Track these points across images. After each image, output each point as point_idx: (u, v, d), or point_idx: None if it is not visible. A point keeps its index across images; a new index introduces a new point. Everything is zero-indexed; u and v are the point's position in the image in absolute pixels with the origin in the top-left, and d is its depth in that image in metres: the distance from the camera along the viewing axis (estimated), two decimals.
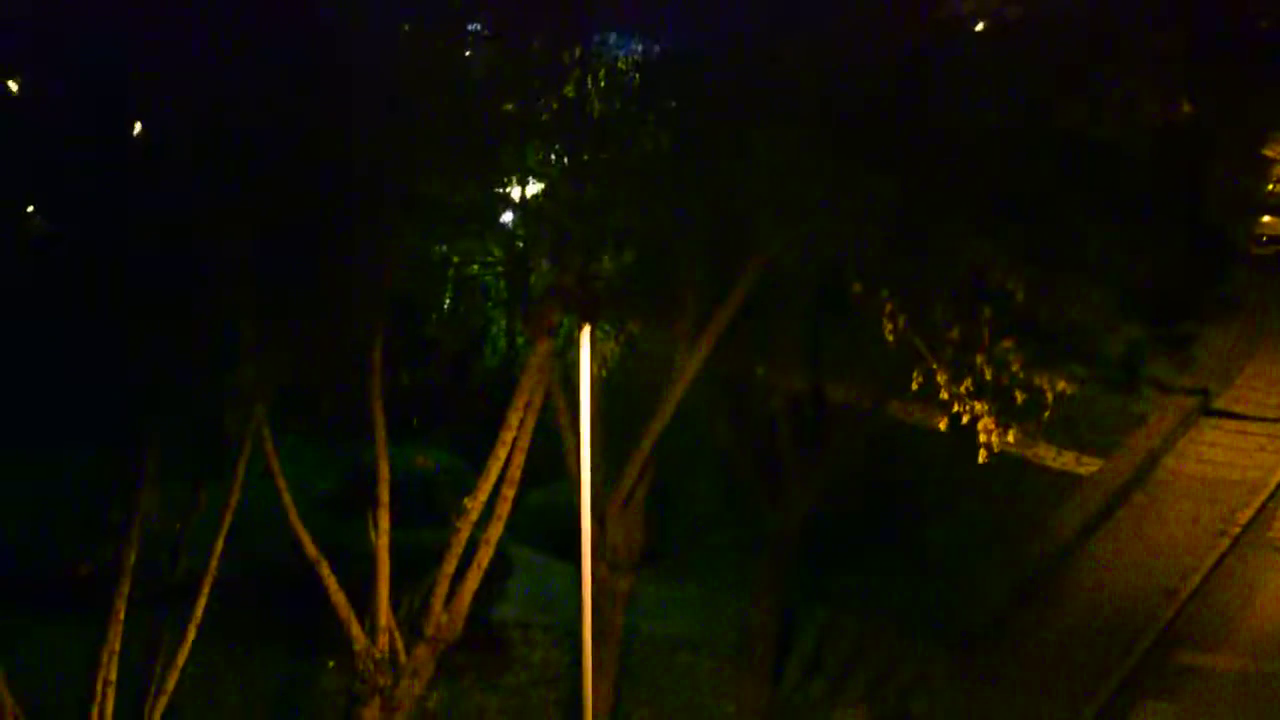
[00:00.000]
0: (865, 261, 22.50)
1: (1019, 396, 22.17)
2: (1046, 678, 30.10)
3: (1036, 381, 22.11)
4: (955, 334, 22.29)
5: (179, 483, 21.88)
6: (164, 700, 21.93)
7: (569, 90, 22.00)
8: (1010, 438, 22.36)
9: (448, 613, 22.93)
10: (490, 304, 29.04)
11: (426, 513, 26.81)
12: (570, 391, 23.53)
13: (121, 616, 21.33)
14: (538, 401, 22.78)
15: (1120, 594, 33.29)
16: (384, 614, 22.65)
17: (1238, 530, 36.18)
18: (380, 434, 22.43)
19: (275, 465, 21.99)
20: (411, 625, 23.02)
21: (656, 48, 23.19)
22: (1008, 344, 21.96)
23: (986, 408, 22.23)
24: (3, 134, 20.83)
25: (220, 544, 21.93)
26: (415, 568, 23.35)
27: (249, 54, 19.17)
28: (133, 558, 21.23)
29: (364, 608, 22.62)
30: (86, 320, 19.66)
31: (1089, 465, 39.17)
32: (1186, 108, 24.08)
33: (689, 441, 26.77)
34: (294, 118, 19.27)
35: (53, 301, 19.97)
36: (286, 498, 22.15)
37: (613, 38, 22.82)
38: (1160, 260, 22.92)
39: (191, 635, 21.88)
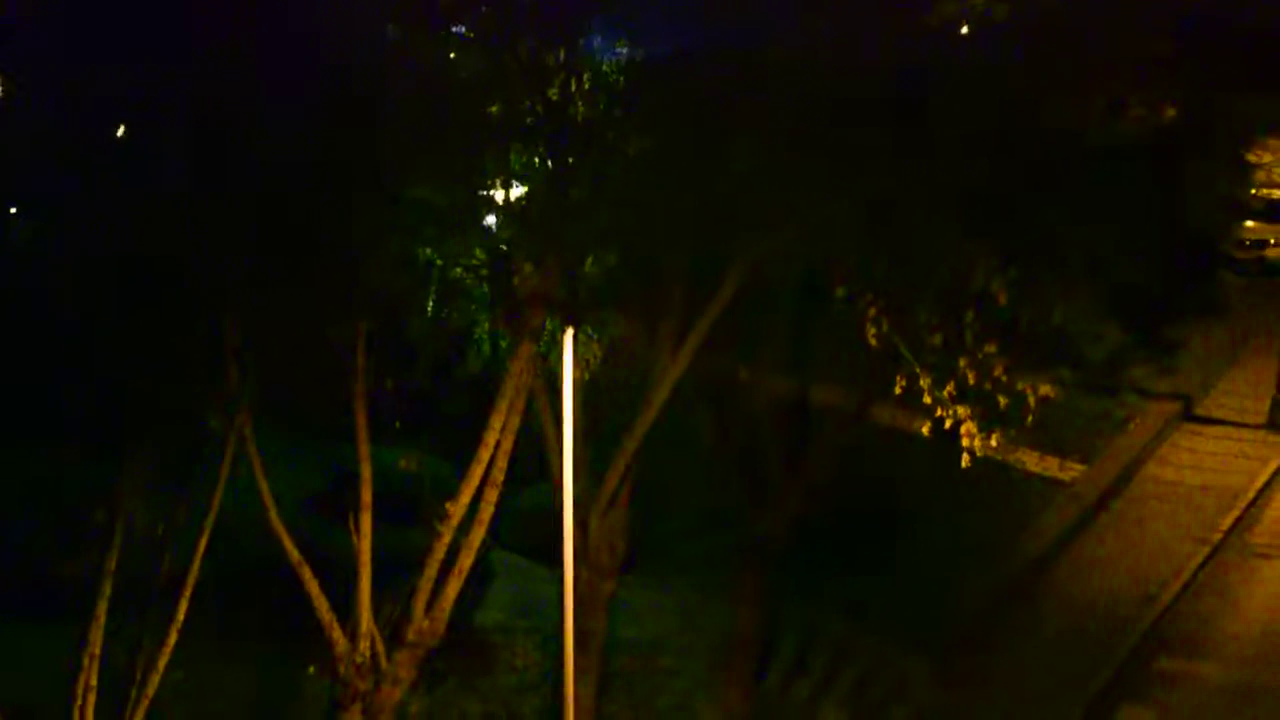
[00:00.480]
0: (848, 265, 22.51)
1: (1001, 401, 22.17)
2: (1027, 683, 30.11)
3: (1019, 386, 22.11)
4: (938, 338, 22.29)
5: (163, 484, 21.82)
6: (145, 704, 21.86)
7: (553, 93, 21.98)
8: (993, 442, 22.36)
9: (429, 617, 22.89)
10: (473, 307, 29.03)
11: (409, 516, 26.74)
12: (553, 394, 23.52)
13: (103, 620, 21.27)
14: (520, 405, 22.75)
15: (1101, 600, 33.30)
16: (365, 618, 22.60)
17: (1219, 537, 36.19)
18: (363, 436, 22.39)
19: (258, 467, 21.94)
20: (393, 630, 22.96)
21: (641, 51, 23.18)
22: (990, 348, 21.95)
23: (969, 412, 22.24)
24: None
25: (202, 546, 21.88)
26: (397, 571, 23.28)
27: (232, 54, 19.13)
28: (114, 560, 21.17)
29: (346, 611, 22.57)
30: (68, 320, 19.60)
31: (1071, 470, 39.19)
32: (1170, 112, 24.09)
33: (673, 444, 26.72)
34: (277, 118, 19.24)
35: (34, 301, 19.90)
36: (268, 500, 22.10)
37: (597, 41, 22.79)
38: (1143, 264, 22.90)
39: (173, 638, 21.80)
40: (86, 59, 19.65)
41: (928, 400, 22.40)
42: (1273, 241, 53.69)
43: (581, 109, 22.23)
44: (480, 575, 27.88)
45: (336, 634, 22.47)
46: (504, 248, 23.16)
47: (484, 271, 25.09)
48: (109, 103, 20.03)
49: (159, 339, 19.59)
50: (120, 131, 21.07)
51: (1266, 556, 35.54)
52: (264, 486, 22.03)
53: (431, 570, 22.70)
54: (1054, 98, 22.30)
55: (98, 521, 21.29)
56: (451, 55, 22.76)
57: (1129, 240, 22.51)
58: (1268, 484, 38.93)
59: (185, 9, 19.51)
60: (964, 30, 24.84)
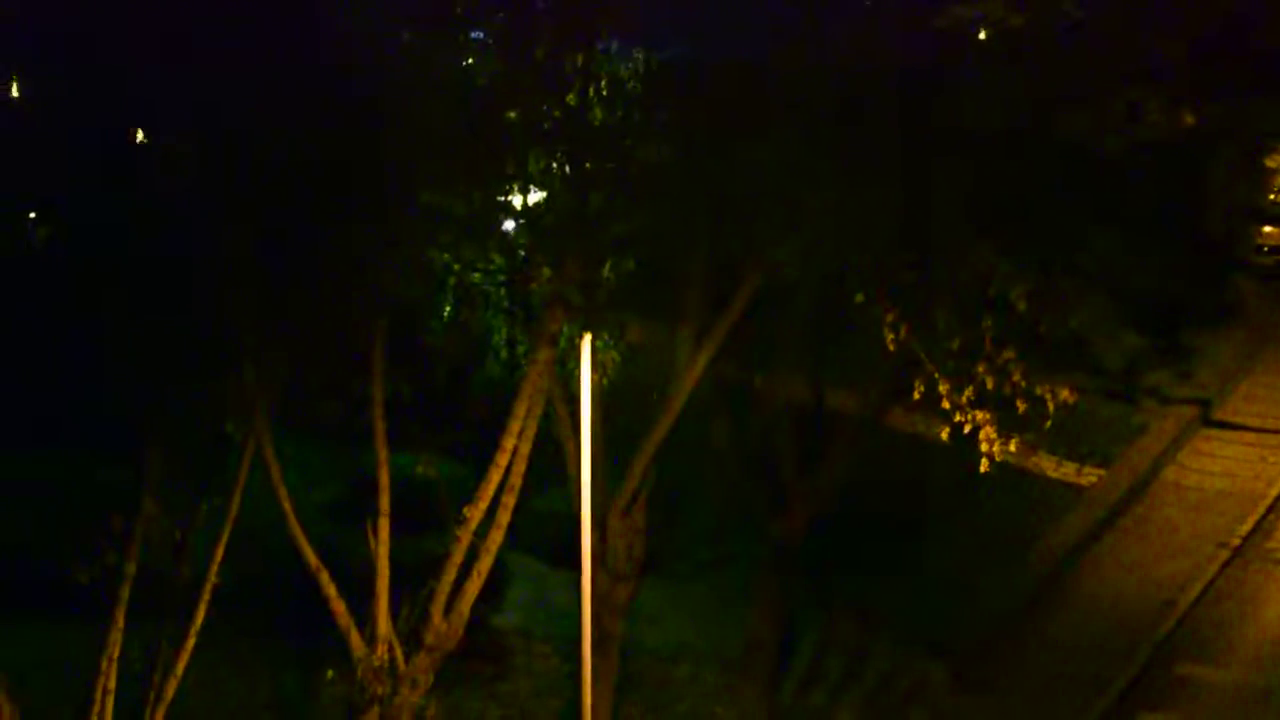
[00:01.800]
0: (866, 270, 22.50)
1: (1020, 406, 22.14)
2: (1045, 688, 30.10)
3: (1038, 391, 22.08)
4: (956, 343, 22.27)
5: (181, 488, 21.86)
6: (163, 708, 21.89)
7: (571, 99, 22.00)
8: (1012, 447, 22.32)
9: (447, 621, 22.90)
10: (491, 312, 29.00)
11: (427, 521, 26.76)
12: (571, 400, 23.55)
13: (121, 624, 21.31)
14: (538, 410, 22.77)
15: (1120, 605, 33.27)
16: (383, 622, 22.62)
17: (1238, 542, 36.15)
18: (381, 442, 22.42)
19: (276, 471, 21.97)
20: (411, 634, 22.98)
21: (659, 56, 23.19)
22: (1009, 353, 21.93)
23: (988, 417, 22.20)
24: (2, 137, 20.85)
25: (220, 551, 21.92)
26: (415, 576, 23.30)
27: (252, 60, 19.18)
28: (133, 565, 21.21)
29: (364, 616, 22.60)
30: (87, 323, 19.65)
31: (1089, 476, 39.15)
32: (1188, 118, 24.11)
33: (691, 449, 26.73)
34: (297, 124, 19.29)
35: (53, 304, 19.96)
36: (286, 504, 22.14)
37: (615, 46, 22.81)
38: (1162, 270, 22.93)
39: (191, 643, 21.85)
40: (100, 59, 19.72)
41: (946, 405, 22.37)
42: None
43: (599, 114, 22.25)
44: (498, 579, 27.88)
45: (355, 638, 22.50)
46: (522, 253, 23.17)
47: (501, 277, 25.09)
48: (125, 104, 20.09)
49: (176, 342, 19.64)
50: (138, 134, 21.15)
51: None
52: (282, 491, 22.06)
53: (450, 574, 22.71)
54: (1071, 103, 22.31)
55: (115, 525, 21.33)
56: (469, 60, 22.78)
57: (1147, 246, 22.52)
58: None
59: (206, 13, 19.57)
60: (981, 36, 24.88)
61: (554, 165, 22.76)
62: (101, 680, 21.40)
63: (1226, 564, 35.17)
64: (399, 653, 22.78)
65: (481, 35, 22.66)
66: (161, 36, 19.44)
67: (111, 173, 20.13)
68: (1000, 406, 22.05)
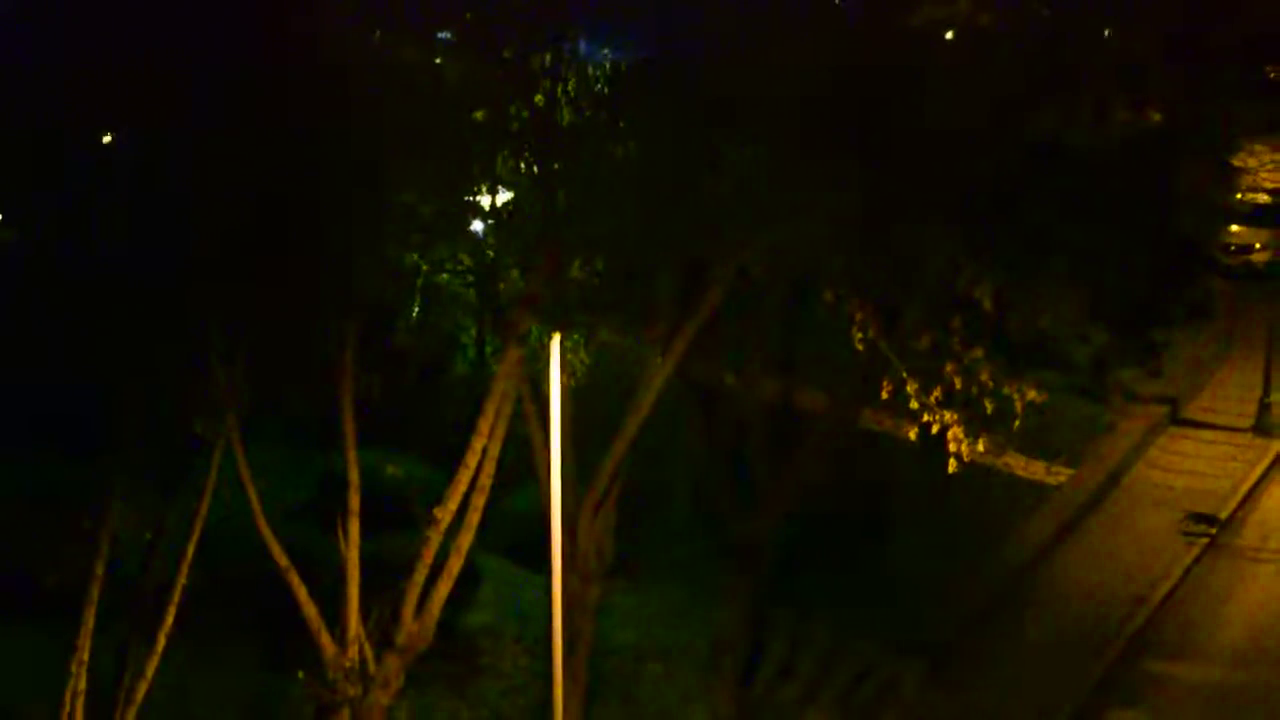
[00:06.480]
0: (834, 269, 22.54)
1: (988, 405, 22.18)
2: (1016, 686, 30.14)
3: (1006, 390, 22.13)
4: (924, 343, 22.32)
5: (151, 490, 21.81)
6: (133, 710, 21.86)
7: (539, 98, 21.99)
8: (980, 447, 22.36)
9: (418, 622, 22.90)
10: (460, 312, 28.99)
11: (397, 521, 26.75)
12: (540, 400, 23.54)
13: (91, 626, 21.25)
14: (508, 410, 22.77)
15: (1090, 602, 33.34)
16: (354, 623, 22.61)
17: (1206, 540, 36.26)
18: (350, 442, 22.41)
19: (245, 473, 21.94)
20: (381, 634, 22.96)
21: (626, 56, 23.19)
22: (977, 353, 21.98)
23: (956, 417, 22.25)
24: None
25: (190, 553, 21.88)
26: (386, 576, 23.28)
27: (220, 59, 19.15)
28: (102, 567, 21.15)
29: (334, 617, 22.57)
30: (55, 326, 19.58)
31: (1058, 474, 39.24)
32: (1156, 116, 24.17)
33: (661, 449, 26.71)
34: (265, 124, 19.25)
35: (19, 307, 19.88)
36: (256, 506, 22.11)
37: (583, 46, 22.80)
38: (1130, 268, 22.96)
39: (161, 645, 21.81)
40: (73, 60, 19.65)
41: (914, 405, 22.42)
42: (1258, 246, 53.79)
43: (567, 114, 22.25)
44: (468, 579, 27.86)
45: (325, 639, 22.48)
46: (490, 253, 23.16)
47: (470, 277, 25.09)
48: (93, 103, 20.02)
49: (146, 344, 19.58)
50: (106, 136, 21.09)
51: (1253, 559, 35.61)
52: (252, 492, 22.04)
53: (420, 575, 22.71)
54: (1040, 101, 22.37)
55: (85, 527, 21.27)
56: (437, 61, 22.76)
57: (1116, 244, 22.58)
58: (1254, 487, 38.99)
59: (178, 14, 19.54)
60: (949, 35, 24.92)
61: (522, 165, 22.76)
62: (71, 683, 21.34)
63: (1194, 561, 35.28)
64: (369, 653, 22.76)
65: (449, 35, 22.66)
66: (132, 35, 19.39)
67: (80, 174, 20.07)
68: (968, 406, 22.12)
